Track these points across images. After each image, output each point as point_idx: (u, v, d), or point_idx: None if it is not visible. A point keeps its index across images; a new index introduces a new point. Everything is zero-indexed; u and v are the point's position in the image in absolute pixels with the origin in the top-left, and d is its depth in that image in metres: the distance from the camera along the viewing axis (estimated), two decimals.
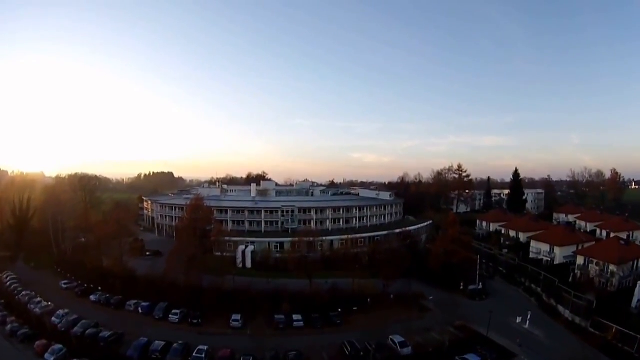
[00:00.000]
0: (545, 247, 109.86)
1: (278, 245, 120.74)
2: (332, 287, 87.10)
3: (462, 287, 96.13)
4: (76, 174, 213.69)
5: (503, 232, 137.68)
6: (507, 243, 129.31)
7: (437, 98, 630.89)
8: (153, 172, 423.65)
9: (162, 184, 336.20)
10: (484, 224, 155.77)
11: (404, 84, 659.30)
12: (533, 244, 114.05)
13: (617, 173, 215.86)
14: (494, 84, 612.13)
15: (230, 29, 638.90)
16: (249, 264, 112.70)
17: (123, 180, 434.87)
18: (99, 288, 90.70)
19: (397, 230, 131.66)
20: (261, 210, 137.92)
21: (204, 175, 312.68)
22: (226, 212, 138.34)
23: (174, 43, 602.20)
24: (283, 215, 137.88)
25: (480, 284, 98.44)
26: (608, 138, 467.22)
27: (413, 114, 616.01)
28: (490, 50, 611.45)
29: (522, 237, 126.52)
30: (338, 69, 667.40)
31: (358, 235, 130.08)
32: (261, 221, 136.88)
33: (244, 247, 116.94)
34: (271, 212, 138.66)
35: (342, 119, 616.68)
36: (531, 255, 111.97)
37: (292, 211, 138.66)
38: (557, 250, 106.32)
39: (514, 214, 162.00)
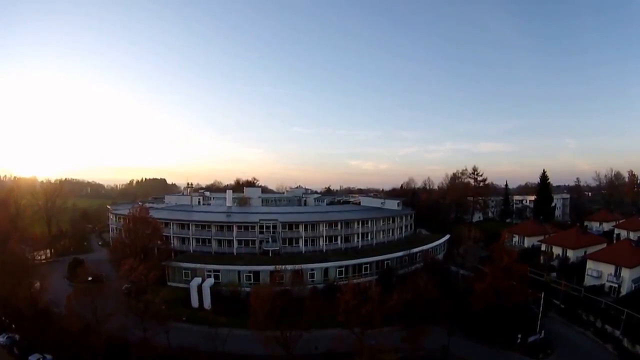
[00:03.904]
0: (608, 269, 78.80)
1: (251, 275, 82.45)
2: (326, 352, 53.58)
3: (519, 340, 61.97)
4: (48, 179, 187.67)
5: (543, 248, 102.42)
6: (551, 263, 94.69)
7: (435, 105, 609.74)
8: (145, 179, 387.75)
9: (154, 190, 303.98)
10: (515, 237, 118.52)
11: (402, 91, 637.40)
12: (591, 264, 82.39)
13: (634, 175, 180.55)
14: (491, 90, 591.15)
15: (229, 35, 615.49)
16: (207, 304, 75.72)
17: (117, 186, 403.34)
18: (13, 326, 65.74)
19: (415, 250, 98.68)
20: (232, 226, 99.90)
21: (201, 182, 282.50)
22: (188, 227, 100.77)
23: (171, 48, 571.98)
24: (262, 233, 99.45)
25: (543, 331, 64.23)
26: (605, 142, 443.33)
27: (411, 121, 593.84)
28: (487, 57, 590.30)
29: (572, 255, 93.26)
30: (336, 76, 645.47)
31: (363, 260, 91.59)
32: (232, 240, 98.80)
33: (199, 279, 79.63)
34: (245, 227, 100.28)
35: (340, 126, 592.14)
36: (589, 281, 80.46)
37: (274, 227, 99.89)
38: (624, 273, 76.16)
39: (550, 225, 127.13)
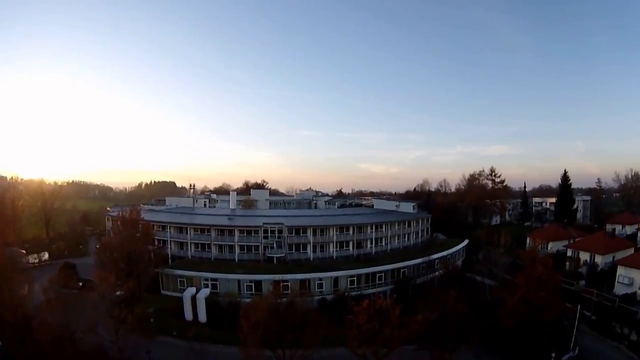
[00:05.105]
0: None
1: (252, 284, 73.54)
2: None
3: (553, 359, 53.37)
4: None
5: (569, 254, 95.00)
6: (579, 270, 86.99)
7: (443, 108, 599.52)
8: (154, 181, 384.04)
9: (162, 193, 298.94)
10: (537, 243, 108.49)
11: (409, 95, 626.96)
12: (621, 271, 75.63)
13: None
14: (498, 93, 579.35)
15: (236, 40, 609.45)
16: (202, 317, 67.21)
17: (125, 189, 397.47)
18: None
19: (434, 257, 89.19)
20: (234, 230, 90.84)
21: (210, 185, 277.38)
22: (186, 231, 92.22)
23: (180, 52, 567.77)
24: (266, 237, 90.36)
25: (577, 348, 56.46)
26: (614, 145, 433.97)
27: (419, 125, 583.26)
28: (493, 59, 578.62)
29: (600, 261, 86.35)
30: (342, 79, 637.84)
31: (378, 269, 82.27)
32: (234, 245, 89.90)
33: (193, 289, 70.90)
34: (248, 232, 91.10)
35: (348, 129, 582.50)
36: (619, 289, 73.93)
37: (280, 231, 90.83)
38: None
39: (574, 229, 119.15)
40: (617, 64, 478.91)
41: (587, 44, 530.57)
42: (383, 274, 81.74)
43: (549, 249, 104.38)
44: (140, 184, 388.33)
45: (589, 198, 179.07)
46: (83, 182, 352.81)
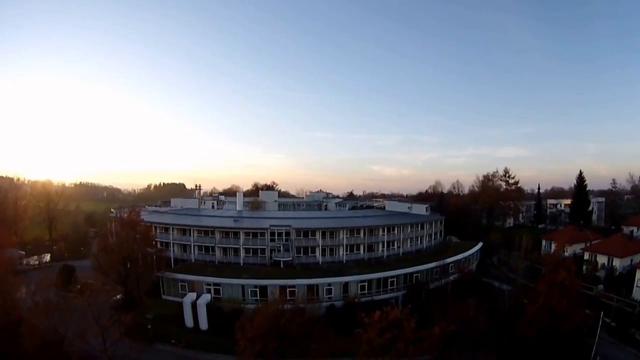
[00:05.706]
0: None
1: (257, 290, 69.63)
2: None
3: None
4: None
5: (586, 257, 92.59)
6: (597, 274, 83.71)
7: (454, 110, 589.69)
8: (163, 183, 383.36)
9: (171, 195, 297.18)
10: (554, 246, 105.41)
11: (420, 96, 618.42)
12: None
13: None
14: (510, 95, 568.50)
15: (246, 40, 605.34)
16: (203, 324, 63.54)
17: (134, 190, 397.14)
18: None
19: (449, 261, 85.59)
20: (239, 232, 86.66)
21: (220, 187, 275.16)
22: (189, 233, 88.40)
23: (188, 53, 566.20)
24: (273, 240, 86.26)
25: (598, 358, 53.52)
26: (626, 146, 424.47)
27: (430, 126, 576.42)
28: (505, 61, 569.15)
29: (619, 264, 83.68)
30: (355, 81, 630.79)
31: (390, 274, 78.10)
32: (239, 248, 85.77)
33: (194, 295, 67.12)
34: (254, 234, 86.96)
35: (361, 131, 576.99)
36: (638, 294, 70.71)
37: (287, 233, 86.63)
38: None
39: (590, 231, 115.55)
40: (628, 66, 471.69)
41: (598, 46, 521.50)
42: (395, 279, 77.78)
43: (566, 252, 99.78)
44: (149, 186, 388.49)
45: (603, 199, 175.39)
46: (91, 183, 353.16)
